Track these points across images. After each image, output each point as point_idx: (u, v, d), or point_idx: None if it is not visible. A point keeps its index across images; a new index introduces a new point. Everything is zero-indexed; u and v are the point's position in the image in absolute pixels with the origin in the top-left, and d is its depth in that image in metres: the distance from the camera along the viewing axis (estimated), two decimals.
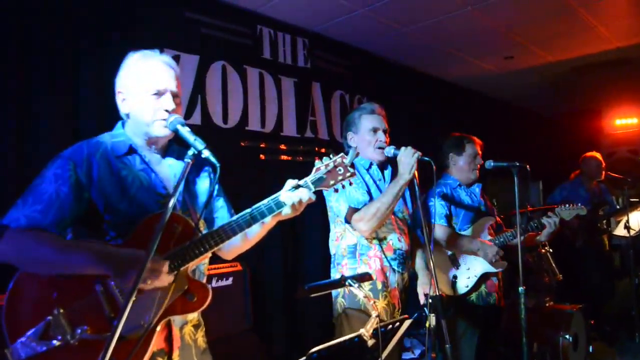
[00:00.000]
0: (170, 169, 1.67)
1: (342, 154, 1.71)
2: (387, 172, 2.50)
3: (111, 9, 3.05)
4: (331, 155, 1.70)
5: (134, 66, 1.61)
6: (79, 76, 2.88)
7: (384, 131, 2.45)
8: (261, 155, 3.91)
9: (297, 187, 1.60)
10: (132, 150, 1.61)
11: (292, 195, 1.56)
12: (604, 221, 4.96)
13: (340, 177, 1.66)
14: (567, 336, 3.50)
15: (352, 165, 1.70)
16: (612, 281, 5.64)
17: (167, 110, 1.57)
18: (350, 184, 1.70)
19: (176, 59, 3.41)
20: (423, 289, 2.40)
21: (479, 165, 3.05)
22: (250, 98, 3.85)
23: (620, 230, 4.88)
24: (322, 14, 4.04)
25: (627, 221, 4.65)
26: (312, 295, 1.58)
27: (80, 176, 1.50)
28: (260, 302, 3.69)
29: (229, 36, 3.77)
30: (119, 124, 1.68)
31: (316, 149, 4.32)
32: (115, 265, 1.40)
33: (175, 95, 1.61)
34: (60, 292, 1.39)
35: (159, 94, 1.58)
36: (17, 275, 1.42)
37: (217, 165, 1.42)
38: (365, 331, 1.49)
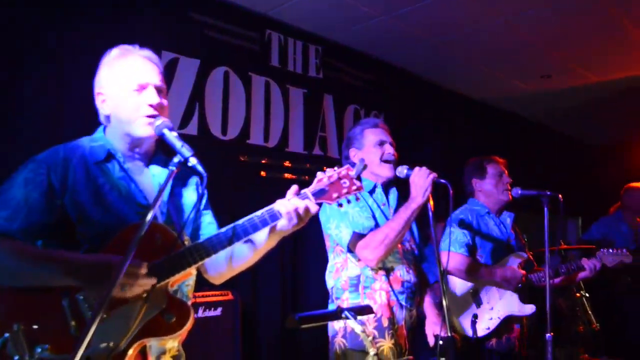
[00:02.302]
0: (153, 179, 1.69)
1: (347, 165, 1.73)
2: (392, 197, 2.50)
3: (107, 4, 3.14)
4: (336, 167, 1.71)
5: (112, 63, 1.65)
6: (65, 78, 2.94)
7: (391, 144, 2.48)
8: (262, 172, 3.94)
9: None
10: (110, 156, 1.63)
11: (286, 203, 1.57)
12: None
13: (345, 191, 1.66)
14: None
15: (359, 178, 1.71)
16: None
17: (151, 105, 1.59)
18: (357, 199, 1.70)
19: (174, 62, 3.50)
20: (432, 329, 2.37)
21: (508, 185, 3.03)
22: (253, 108, 3.91)
23: None
24: (338, 20, 4.12)
25: None
26: (304, 326, 1.57)
27: (54, 181, 1.52)
28: (252, 338, 3.66)
29: (234, 40, 3.86)
30: (100, 128, 1.71)
31: (324, 168, 4.32)
32: (87, 275, 1.41)
33: (159, 90, 1.64)
34: (22, 306, 1.40)
35: (141, 88, 1.61)
36: None
37: (204, 175, 1.44)
38: None
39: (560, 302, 3.86)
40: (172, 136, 1.53)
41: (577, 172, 7.42)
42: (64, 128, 2.88)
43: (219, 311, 3.25)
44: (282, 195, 4.37)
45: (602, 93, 5.71)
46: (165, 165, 1.72)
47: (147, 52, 1.69)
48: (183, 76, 3.55)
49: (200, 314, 3.16)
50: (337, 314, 1.65)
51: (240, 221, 1.58)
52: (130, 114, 1.60)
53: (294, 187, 1.64)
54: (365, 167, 1.76)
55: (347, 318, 1.63)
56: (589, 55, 4.75)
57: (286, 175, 4.10)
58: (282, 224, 1.60)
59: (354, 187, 1.67)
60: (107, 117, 1.67)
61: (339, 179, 1.66)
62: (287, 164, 4.11)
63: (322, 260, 2.57)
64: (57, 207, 1.52)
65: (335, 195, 1.65)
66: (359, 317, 1.64)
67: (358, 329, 1.60)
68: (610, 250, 3.07)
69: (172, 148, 1.52)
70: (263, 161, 3.97)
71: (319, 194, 1.63)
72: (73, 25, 3.01)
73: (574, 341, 3.78)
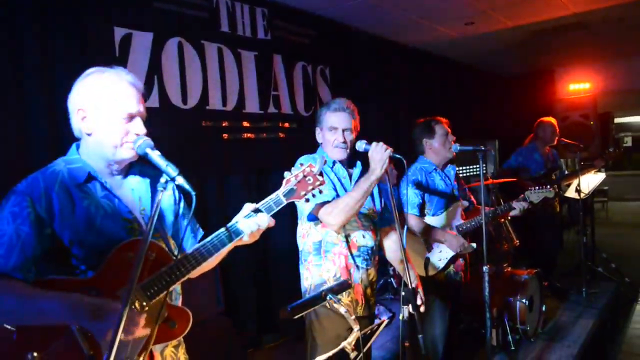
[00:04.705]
0: (133, 193, 1.59)
1: (309, 162, 1.71)
2: (357, 170, 2.45)
3: None
4: (300, 165, 1.69)
5: (99, 85, 1.48)
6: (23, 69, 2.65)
7: (345, 130, 2.37)
8: (224, 135, 3.81)
9: (256, 211, 1.57)
10: (91, 177, 1.50)
11: (250, 224, 1.54)
12: (556, 185, 5.18)
13: (310, 187, 1.67)
14: (524, 300, 3.74)
15: (321, 174, 1.70)
16: (561, 231, 6.00)
17: (137, 134, 1.49)
18: (321, 192, 1.70)
19: (128, 37, 3.20)
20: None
21: (452, 143, 3.10)
22: (209, 75, 3.69)
23: (571, 193, 5.14)
24: None
25: (579, 184, 4.89)
26: (296, 316, 1.59)
27: (40, 212, 1.39)
28: (231, 285, 3.71)
29: (184, 9, 3.54)
30: (73, 147, 1.56)
31: (280, 124, 4.24)
32: (88, 317, 1.33)
33: (144, 119, 1.53)
34: (33, 335, 1.33)
35: (130, 117, 1.49)
36: None
37: (193, 193, 1.35)
38: (348, 344, 1.54)
39: (489, 226, 4.06)
40: (155, 155, 1.42)
41: (495, 102, 7.63)
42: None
43: None
44: (244, 154, 4.22)
45: (517, 36, 5.77)
46: (141, 174, 1.63)
47: (133, 79, 1.53)
48: (138, 51, 3.26)
49: None
50: (323, 297, 1.67)
51: (222, 229, 1.55)
52: (117, 140, 1.48)
53: (251, 205, 1.59)
54: (325, 162, 1.73)
55: (332, 300, 1.66)
56: (506, 5, 4.73)
57: (246, 135, 3.98)
58: (245, 240, 1.58)
59: (317, 183, 1.67)
60: (88, 134, 1.51)
61: (304, 176, 1.65)
62: (245, 124, 3.98)
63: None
64: (47, 236, 1.40)
65: (302, 192, 1.65)
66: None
67: (342, 310, 1.64)
68: (537, 188, 3.20)
69: (154, 165, 1.42)
70: (224, 124, 3.82)
71: (289, 194, 1.63)
72: (25, 10, 2.65)
73: (500, 258, 4.03)
